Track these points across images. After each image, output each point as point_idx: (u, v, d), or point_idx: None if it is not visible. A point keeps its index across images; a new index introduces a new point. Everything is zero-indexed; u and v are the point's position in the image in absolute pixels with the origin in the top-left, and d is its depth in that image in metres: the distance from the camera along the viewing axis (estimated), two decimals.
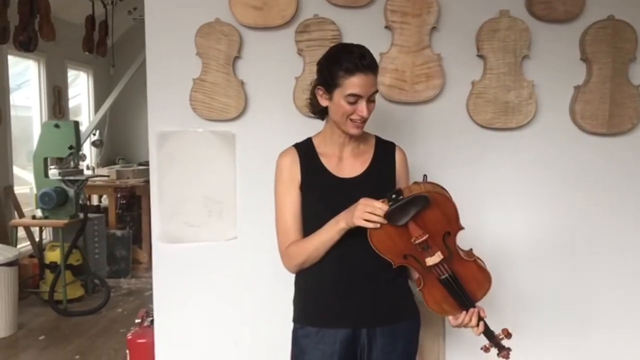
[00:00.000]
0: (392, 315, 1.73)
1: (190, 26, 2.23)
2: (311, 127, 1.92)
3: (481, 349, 1.73)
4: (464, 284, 1.63)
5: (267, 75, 2.29)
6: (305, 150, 1.76)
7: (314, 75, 1.75)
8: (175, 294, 2.38)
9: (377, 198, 1.55)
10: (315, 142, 1.78)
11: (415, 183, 1.58)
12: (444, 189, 1.59)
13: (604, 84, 2.22)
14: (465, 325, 1.66)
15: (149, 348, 2.43)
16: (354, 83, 1.60)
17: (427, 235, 1.53)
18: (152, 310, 2.46)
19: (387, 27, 2.23)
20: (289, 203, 1.73)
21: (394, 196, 1.50)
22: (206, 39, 2.23)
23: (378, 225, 1.53)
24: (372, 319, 1.72)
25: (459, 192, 2.26)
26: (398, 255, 1.60)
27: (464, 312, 1.65)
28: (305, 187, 1.73)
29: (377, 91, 1.67)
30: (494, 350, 1.72)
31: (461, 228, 1.59)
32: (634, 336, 2.38)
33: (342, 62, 1.62)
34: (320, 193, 1.72)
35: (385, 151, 1.79)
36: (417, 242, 1.53)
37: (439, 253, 1.56)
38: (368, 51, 1.65)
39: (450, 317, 1.68)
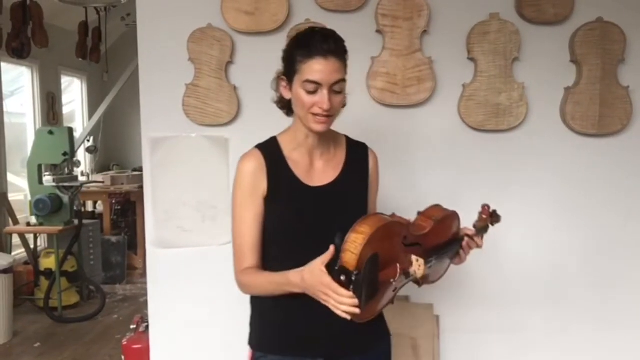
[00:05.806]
0: (364, 341, 1.54)
1: (182, 32, 2.24)
2: None
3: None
4: (448, 241, 1.57)
5: (259, 80, 2.27)
6: (272, 153, 1.52)
7: None
8: (169, 299, 2.38)
9: (348, 207, 1.48)
10: (282, 142, 1.54)
11: (351, 240, 1.27)
12: (375, 215, 1.36)
13: (593, 85, 2.24)
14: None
15: (145, 354, 2.43)
16: (311, 68, 1.39)
17: (398, 264, 1.37)
18: (147, 316, 2.46)
19: (378, 31, 2.24)
20: (249, 218, 1.49)
21: (343, 278, 1.23)
22: (198, 45, 2.24)
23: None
24: (344, 348, 1.50)
25: (450, 195, 2.30)
26: (389, 294, 1.44)
27: (462, 252, 1.60)
28: (272, 198, 1.49)
29: (343, 80, 1.42)
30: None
31: (409, 224, 1.44)
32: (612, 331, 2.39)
33: (301, 44, 1.43)
34: (290, 204, 1.50)
35: (357, 154, 1.60)
36: (397, 278, 1.37)
37: (416, 259, 1.41)
38: (334, 34, 1.44)
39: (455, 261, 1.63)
